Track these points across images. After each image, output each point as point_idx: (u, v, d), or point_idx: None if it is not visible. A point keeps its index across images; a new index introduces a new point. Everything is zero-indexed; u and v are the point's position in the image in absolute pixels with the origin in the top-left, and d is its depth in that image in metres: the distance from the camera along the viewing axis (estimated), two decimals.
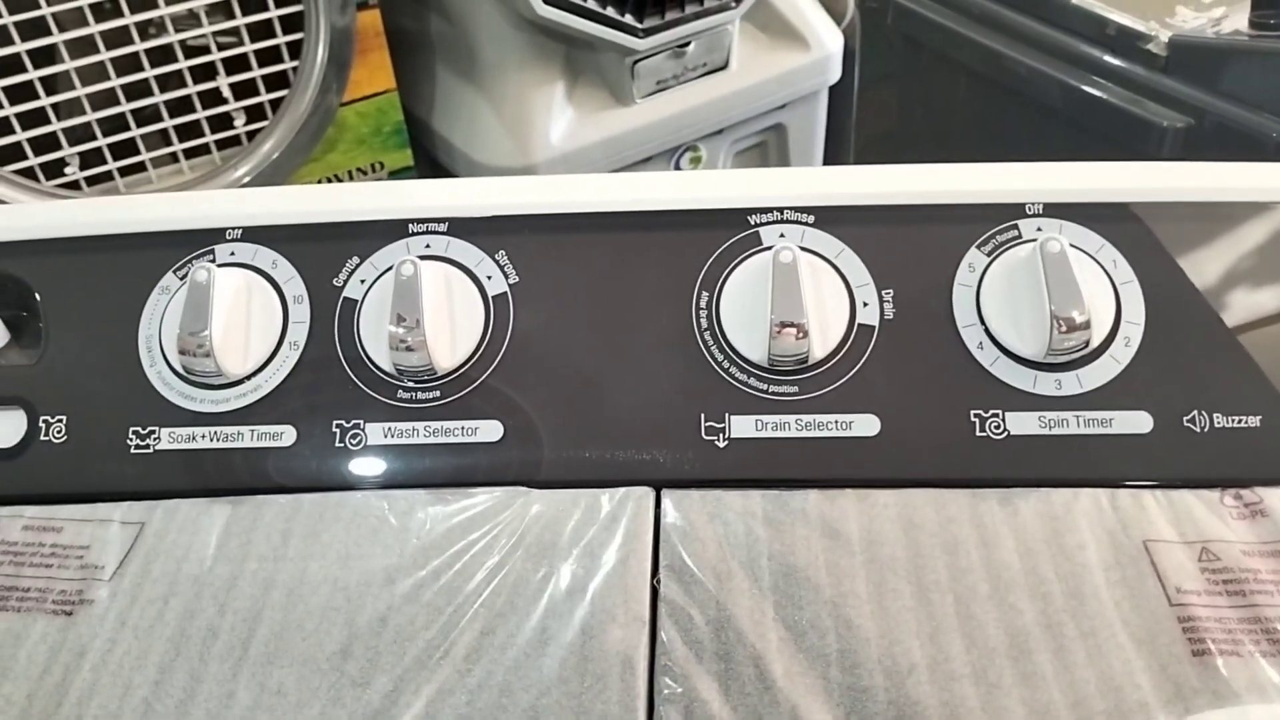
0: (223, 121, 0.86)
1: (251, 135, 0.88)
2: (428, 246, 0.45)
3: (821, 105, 1.10)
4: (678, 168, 1.06)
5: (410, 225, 0.45)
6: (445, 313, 0.43)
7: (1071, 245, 0.41)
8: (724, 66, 1.00)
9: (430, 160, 1.07)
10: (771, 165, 1.13)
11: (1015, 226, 0.43)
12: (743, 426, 0.42)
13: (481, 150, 1.00)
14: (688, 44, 0.95)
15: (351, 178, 1.00)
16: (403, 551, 0.40)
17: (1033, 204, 0.44)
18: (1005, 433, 0.41)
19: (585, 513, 0.41)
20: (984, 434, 0.41)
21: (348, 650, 0.37)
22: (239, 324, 0.43)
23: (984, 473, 0.41)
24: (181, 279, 0.45)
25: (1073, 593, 0.37)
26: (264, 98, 0.86)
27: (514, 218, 0.45)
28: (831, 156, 1.16)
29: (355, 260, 0.45)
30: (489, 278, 0.44)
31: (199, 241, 0.46)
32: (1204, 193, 0.44)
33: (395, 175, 1.02)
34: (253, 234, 0.46)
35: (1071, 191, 0.44)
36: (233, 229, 0.46)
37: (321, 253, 0.45)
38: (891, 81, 1.16)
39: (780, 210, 0.44)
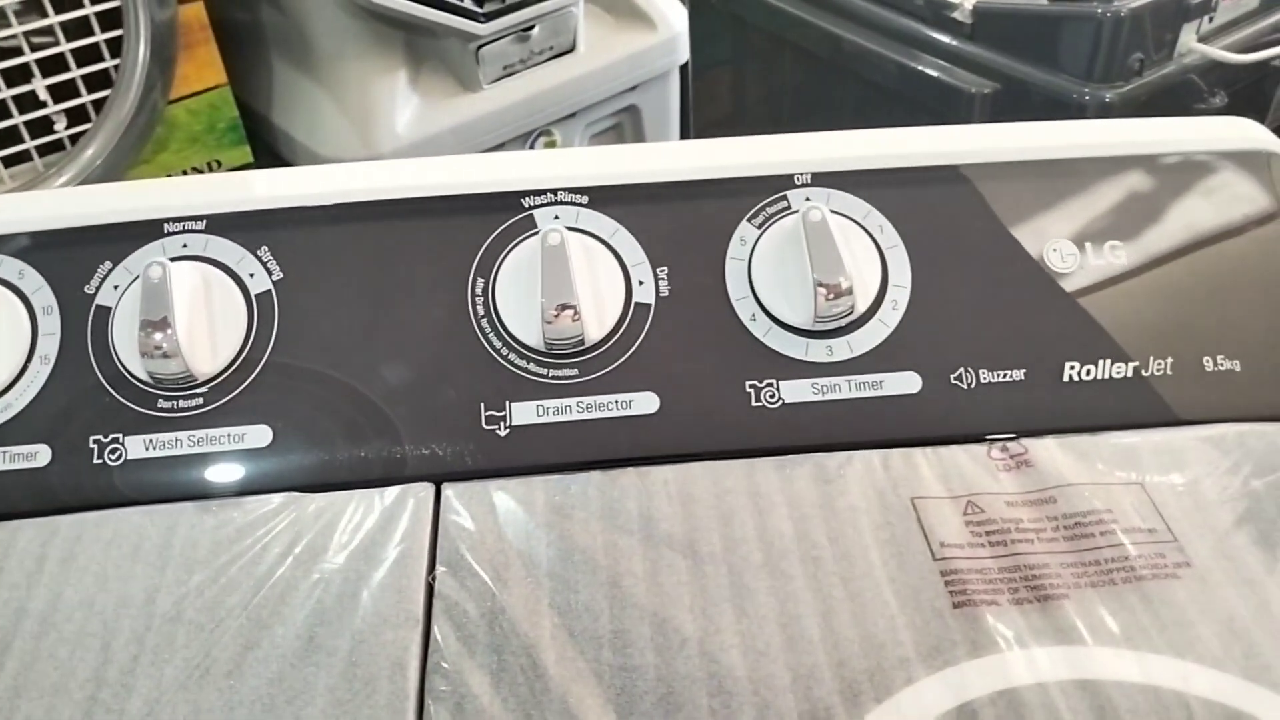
0: (44, 126, 0.81)
1: (75, 139, 0.83)
2: (185, 246, 0.42)
3: (674, 85, 1.10)
4: None
5: (165, 225, 0.43)
6: (203, 315, 0.41)
7: (835, 213, 0.42)
8: (571, 49, 0.98)
9: (272, 155, 1.03)
10: None
11: (785, 198, 0.44)
12: (523, 413, 0.41)
13: (324, 143, 0.97)
14: (532, 27, 0.93)
15: None
16: (164, 568, 0.38)
17: (801, 174, 0.44)
18: (780, 401, 0.41)
19: (361, 514, 0.39)
20: (760, 404, 0.41)
21: (101, 676, 0.35)
22: None
23: (761, 442, 0.41)
24: None
25: (842, 555, 0.38)
26: (86, 99, 0.82)
27: (277, 211, 0.43)
28: (684, 137, 1.16)
29: (108, 265, 0.42)
30: (251, 275, 0.42)
31: None
32: (967, 155, 0.45)
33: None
34: None
35: (837, 160, 0.44)
36: None
37: (71, 259, 0.42)
38: (724, 63, 1.16)
39: (554, 192, 0.44)
